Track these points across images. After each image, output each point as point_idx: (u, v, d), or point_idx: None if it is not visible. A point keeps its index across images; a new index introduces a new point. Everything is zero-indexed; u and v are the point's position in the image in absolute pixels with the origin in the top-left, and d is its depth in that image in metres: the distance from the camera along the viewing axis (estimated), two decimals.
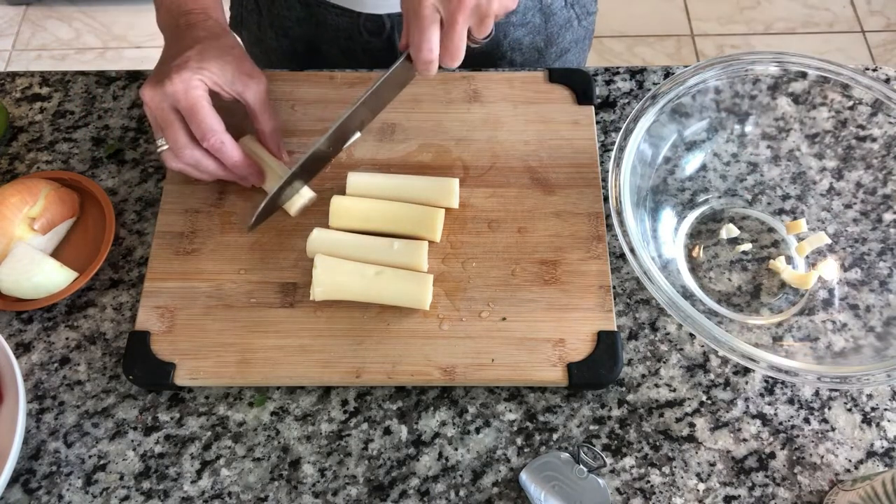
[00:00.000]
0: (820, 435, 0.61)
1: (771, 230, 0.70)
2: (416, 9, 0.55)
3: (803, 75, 0.67)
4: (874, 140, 0.67)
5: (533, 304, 0.63)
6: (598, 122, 0.75)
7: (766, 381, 0.63)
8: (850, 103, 0.67)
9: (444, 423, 0.61)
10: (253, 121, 0.66)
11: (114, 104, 0.77)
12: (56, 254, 0.68)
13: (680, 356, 0.64)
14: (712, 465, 0.59)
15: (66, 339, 0.65)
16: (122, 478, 0.59)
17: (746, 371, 0.63)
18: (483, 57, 0.84)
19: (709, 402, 0.62)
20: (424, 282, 0.62)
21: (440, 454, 0.60)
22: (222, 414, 0.62)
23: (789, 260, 0.68)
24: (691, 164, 0.71)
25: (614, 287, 0.67)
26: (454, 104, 0.74)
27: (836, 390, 0.62)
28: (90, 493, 0.59)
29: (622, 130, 0.64)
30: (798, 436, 0.60)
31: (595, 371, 0.60)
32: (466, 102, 0.74)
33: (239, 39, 0.67)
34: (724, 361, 0.64)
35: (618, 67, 0.78)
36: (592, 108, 0.73)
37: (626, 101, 0.77)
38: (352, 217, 0.66)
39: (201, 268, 0.65)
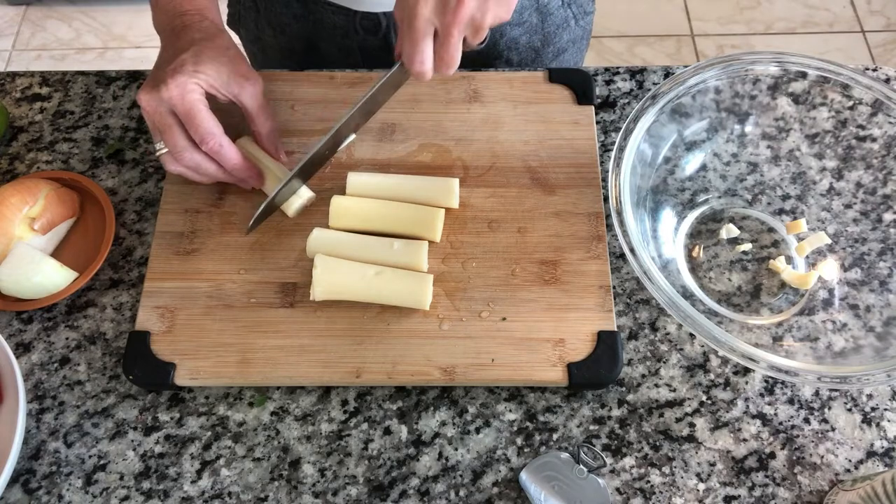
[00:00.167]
0: (820, 435, 0.61)
1: (771, 230, 0.70)
2: (410, 21, 0.56)
3: (803, 75, 0.67)
4: (874, 140, 0.67)
5: (533, 304, 0.63)
6: (598, 122, 0.75)
7: (766, 381, 0.63)
8: (850, 103, 0.67)
9: (444, 423, 0.61)
10: (249, 122, 0.66)
11: (114, 104, 0.77)
12: (56, 254, 0.68)
13: (680, 356, 0.64)
14: (712, 465, 0.59)
15: (66, 339, 0.65)
16: (122, 478, 0.59)
17: (746, 371, 0.63)
18: (480, 56, 0.84)
19: (709, 402, 0.62)
20: (424, 282, 0.62)
21: (440, 454, 0.60)
22: (222, 414, 0.62)
23: (789, 260, 0.68)
24: (691, 164, 0.71)
25: (614, 287, 0.67)
26: (454, 104, 0.74)
27: (836, 390, 0.62)
28: (90, 493, 0.59)
29: (622, 130, 0.64)
30: (798, 436, 0.60)
31: (595, 371, 0.60)
32: (466, 102, 0.74)
33: (235, 40, 0.67)
34: (724, 361, 0.64)
35: (618, 67, 0.78)
36: (592, 108, 0.73)
37: (626, 101, 0.77)
38: (352, 217, 0.66)
39: (201, 268, 0.65)
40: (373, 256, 0.64)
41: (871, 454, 0.60)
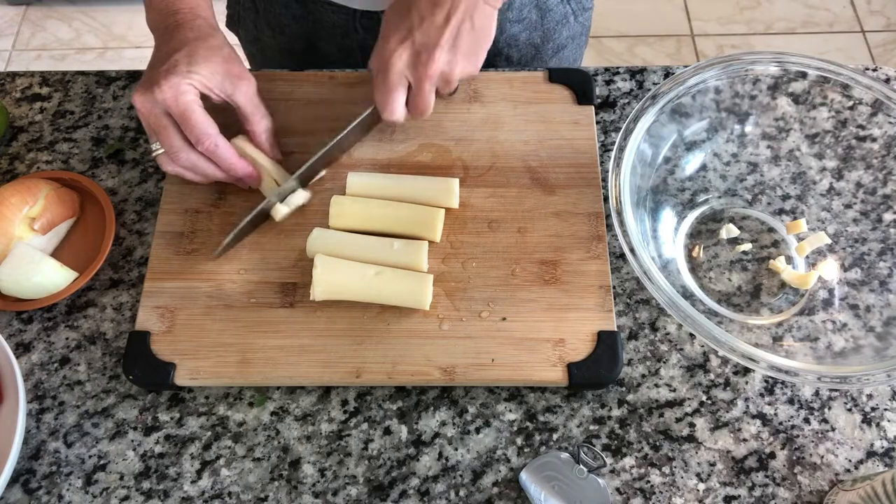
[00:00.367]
0: (820, 435, 0.61)
1: (771, 230, 0.70)
2: (383, 72, 0.61)
3: (803, 75, 0.67)
4: (874, 140, 0.67)
5: (533, 304, 0.63)
6: (598, 122, 0.75)
7: (766, 381, 0.63)
8: (850, 103, 0.67)
9: (444, 423, 0.61)
10: (244, 122, 0.66)
11: (114, 104, 0.77)
12: (56, 254, 0.68)
13: (680, 356, 0.64)
14: (712, 465, 0.59)
15: (66, 339, 0.65)
16: (122, 478, 0.59)
17: (746, 371, 0.63)
18: None
19: (709, 402, 0.62)
20: (424, 282, 0.62)
21: (440, 454, 0.60)
22: (222, 414, 0.62)
23: (789, 260, 0.68)
24: (691, 164, 0.71)
25: (614, 287, 0.67)
26: (454, 104, 0.74)
27: (836, 390, 0.62)
28: (90, 493, 0.59)
29: (622, 130, 0.64)
30: (798, 436, 0.60)
31: (595, 371, 0.60)
32: (466, 102, 0.74)
33: (229, 39, 0.67)
34: (724, 361, 0.64)
35: (618, 67, 0.78)
36: (592, 108, 0.73)
37: (626, 101, 0.77)
38: (352, 217, 0.66)
39: (201, 268, 0.65)
40: (373, 256, 0.64)
41: (871, 454, 0.60)
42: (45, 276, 0.63)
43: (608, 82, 0.78)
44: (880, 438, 0.60)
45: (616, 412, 0.61)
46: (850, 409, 0.62)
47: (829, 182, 0.70)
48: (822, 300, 0.66)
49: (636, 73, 0.78)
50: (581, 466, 0.57)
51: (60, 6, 2.14)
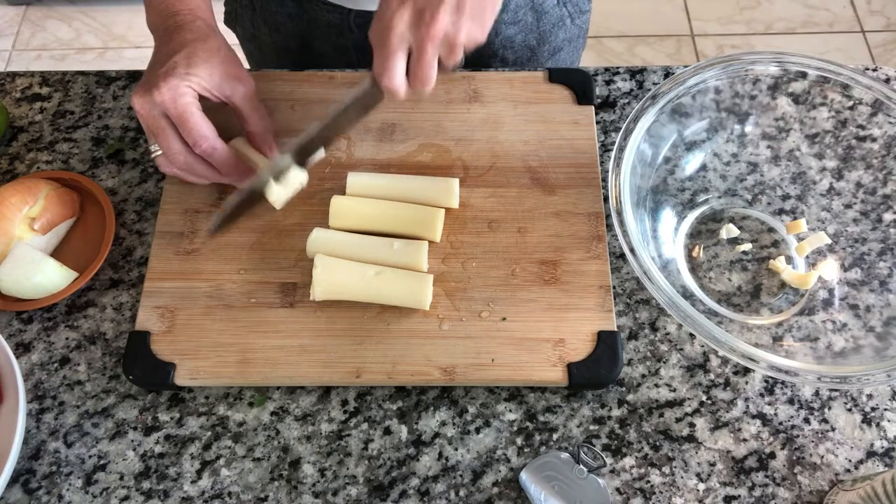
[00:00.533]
0: (820, 435, 0.61)
1: (771, 230, 0.70)
2: (381, 37, 0.56)
3: (803, 75, 0.67)
4: (874, 140, 0.67)
5: (533, 304, 0.63)
6: (598, 122, 0.75)
7: (766, 381, 0.63)
8: (850, 103, 0.67)
9: (444, 423, 0.61)
10: (242, 122, 0.66)
11: (114, 104, 0.77)
12: (56, 254, 0.68)
13: (680, 356, 0.64)
14: (712, 465, 0.59)
15: (66, 339, 0.65)
16: (122, 478, 0.59)
17: (746, 371, 0.63)
18: (475, 56, 0.84)
19: (709, 402, 0.62)
20: (424, 282, 0.62)
21: (440, 454, 0.60)
22: (222, 414, 0.62)
23: (789, 260, 0.68)
24: (691, 164, 0.71)
25: (614, 287, 0.67)
26: (454, 104, 0.74)
27: (836, 390, 0.62)
28: (90, 493, 0.59)
29: (622, 130, 0.64)
30: (798, 436, 0.60)
31: (595, 371, 0.60)
32: (466, 102, 0.74)
33: (227, 39, 0.67)
34: (724, 361, 0.64)
35: (618, 67, 0.78)
36: (592, 108, 0.73)
37: (626, 101, 0.77)
38: (352, 217, 0.66)
39: (201, 268, 0.65)
40: (373, 256, 0.64)
41: (871, 454, 0.60)
42: (45, 276, 0.63)
43: (608, 82, 0.78)
44: (880, 438, 0.60)
45: (616, 412, 0.61)
46: (850, 409, 0.62)
47: (829, 182, 0.70)
48: (822, 300, 0.66)
49: (636, 73, 0.78)
50: (581, 466, 0.57)
51: (60, 6, 2.14)
